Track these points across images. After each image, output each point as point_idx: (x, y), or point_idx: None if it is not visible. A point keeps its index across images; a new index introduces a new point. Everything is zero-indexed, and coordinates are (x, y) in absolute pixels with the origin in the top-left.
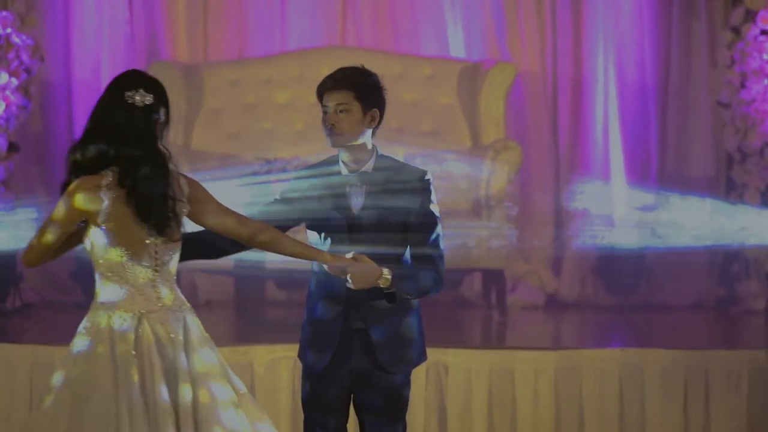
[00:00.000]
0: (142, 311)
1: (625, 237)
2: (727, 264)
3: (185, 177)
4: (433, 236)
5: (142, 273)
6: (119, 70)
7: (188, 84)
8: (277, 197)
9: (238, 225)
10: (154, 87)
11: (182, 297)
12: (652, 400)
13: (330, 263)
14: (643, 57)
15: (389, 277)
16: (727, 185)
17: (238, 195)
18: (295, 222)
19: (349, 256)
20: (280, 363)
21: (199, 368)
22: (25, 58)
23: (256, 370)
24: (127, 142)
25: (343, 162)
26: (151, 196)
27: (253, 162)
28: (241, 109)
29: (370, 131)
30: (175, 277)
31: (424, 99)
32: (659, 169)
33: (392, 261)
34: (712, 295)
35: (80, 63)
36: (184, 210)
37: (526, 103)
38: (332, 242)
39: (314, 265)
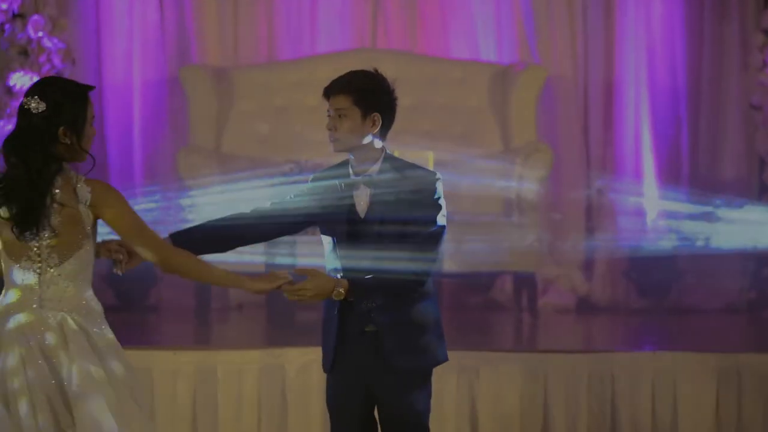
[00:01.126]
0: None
1: (657, 240)
2: (760, 267)
3: (91, 183)
4: (421, 234)
5: (23, 276)
6: (150, 73)
7: (219, 87)
8: (289, 197)
9: (144, 245)
10: (52, 94)
11: (84, 303)
12: (685, 403)
13: (252, 289)
14: (674, 60)
15: (342, 290)
16: (759, 188)
17: (268, 197)
18: (303, 224)
19: (293, 270)
20: (312, 366)
21: (76, 381)
22: (56, 61)
23: (287, 373)
24: (19, 147)
25: (350, 165)
26: (13, 199)
27: (283, 164)
28: (272, 112)
29: (374, 135)
30: (75, 283)
31: (454, 102)
32: (691, 171)
33: (402, 263)
34: (744, 298)
35: (111, 67)
36: (86, 216)
37: (557, 105)
38: (339, 245)
39: (327, 266)
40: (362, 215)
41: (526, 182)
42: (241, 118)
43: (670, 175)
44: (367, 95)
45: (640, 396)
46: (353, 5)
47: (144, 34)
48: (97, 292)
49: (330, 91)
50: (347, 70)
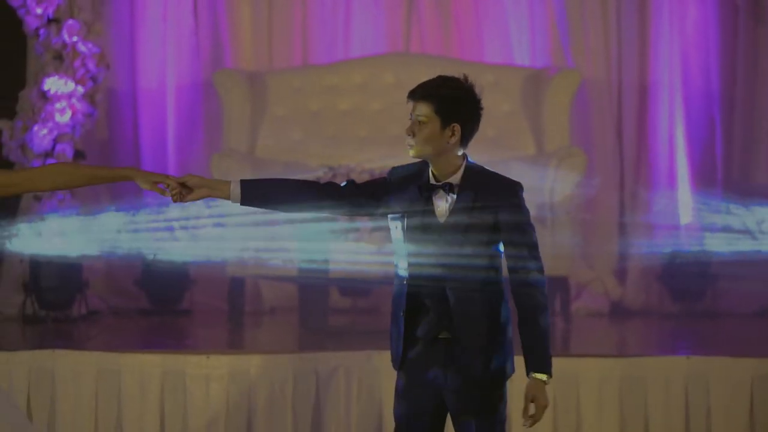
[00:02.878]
0: None
1: (691, 244)
2: None
3: None
4: (527, 250)
5: None
6: (184, 77)
7: (252, 91)
8: (356, 182)
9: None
10: None
11: None
12: (718, 408)
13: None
14: (708, 63)
15: (545, 374)
16: None
17: None
18: (375, 207)
19: None
20: (344, 370)
21: None
22: (91, 66)
23: (320, 377)
24: None
25: (431, 171)
26: None
27: (317, 169)
28: (306, 116)
29: (454, 144)
30: None
31: (487, 106)
32: (724, 175)
33: (479, 271)
34: None
35: (146, 71)
36: None
37: (590, 109)
38: (410, 245)
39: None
40: (441, 221)
41: (559, 186)
42: (274, 123)
43: (704, 179)
44: (449, 105)
45: (674, 401)
46: (387, 9)
47: (178, 38)
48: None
49: (413, 96)
50: (381, 75)
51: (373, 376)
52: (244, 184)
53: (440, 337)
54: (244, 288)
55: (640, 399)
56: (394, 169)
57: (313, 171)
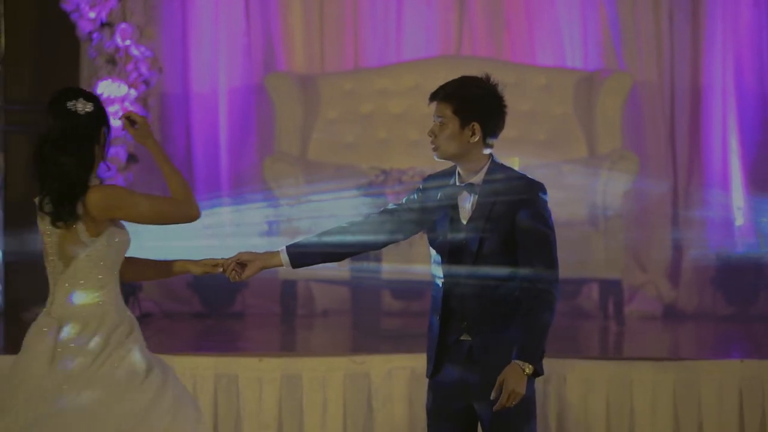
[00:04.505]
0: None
1: (744, 246)
2: None
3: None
4: (540, 254)
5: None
6: (236, 81)
7: (304, 94)
8: (393, 206)
9: (169, 220)
10: (93, 98)
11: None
12: None
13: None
14: (762, 65)
15: (528, 371)
16: None
17: (353, 205)
18: (412, 231)
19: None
20: (397, 373)
21: None
22: (143, 69)
23: (372, 380)
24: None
25: (457, 172)
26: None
27: (369, 172)
28: (357, 119)
29: (476, 143)
30: (84, 282)
31: (539, 108)
32: None
33: (503, 275)
34: None
35: (198, 74)
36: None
37: (643, 112)
38: (441, 251)
39: (432, 273)
40: (464, 221)
41: (611, 189)
42: (326, 126)
43: (758, 182)
44: (467, 104)
45: (727, 405)
46: (439, 12)
47: (230, 41)
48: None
49: (434, 97)
50: (432, 78)
51: (425, 380)
52: (290, 251)
53: (462, 339)
54: (296, 290)
55: (693, 402)
56: (428, 177)
57: (365, 174)
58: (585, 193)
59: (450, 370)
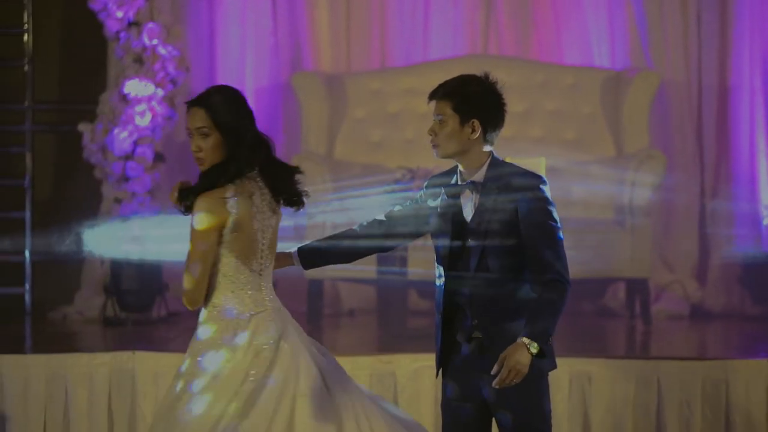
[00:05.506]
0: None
1: None
2: None
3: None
4: (545, 245)
5: None
6: (263, 80)
7: (331, 93)
8: (406, 204)
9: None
10: None
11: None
12: None
13: None
14: None
15: (534, 351)
16: None
17: (380, 204)
18: (418, 233)
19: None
20: (423, 372)
21: None
22: (170, 68)
23: (398, 379)
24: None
25: (459, 171)
26: None
27: (396, 171)
28: (384, 119)
29: (476, 140)
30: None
31: (567, 108)
32: None
33: (509, 271)
34: None
35: (225, 73)
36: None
37: (670, 111)
38: (449, 254)
39: (436, 273)
40: (468, 220)
41: (638, 188)
42: (353, 125)
43: None
44: (466, 101)
45: (755, 404)
46: (465, 11)
47: (257, 41)
48: None
49: (432, 96)
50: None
51: None
52: (301, 252)
53: (474, 336)
54: (322, 290)
55: (721, 402)
56: (431, 177)
57: (392, 172)
58: (612, 192)
59: (460, 368)
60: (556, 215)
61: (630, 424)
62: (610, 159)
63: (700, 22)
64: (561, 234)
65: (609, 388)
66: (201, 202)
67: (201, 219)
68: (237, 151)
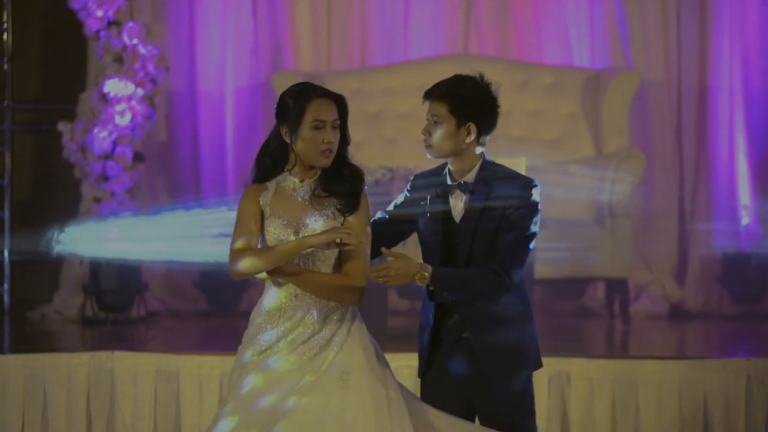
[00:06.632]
0: None
1: (751, 246)
2: None
3: None
4: (511, 237)
5: None
6: (243, 79)
7: None
8: (393, 205)
9: None
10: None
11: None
12: None
13: (315, 243)
14: None
15: (427, 274)
16: None
17: None
18: (408, 232)
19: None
20: (403, 371)
21: None
22: (150, 68)
23: None
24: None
25: (449, 170)
26: None
27: (376, 171)
28: (364, 118)
29: (470, 143)
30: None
31: (547, 108)
32: None
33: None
34: None
35: (205, 73)
36: None
37: (650, 111)
38: (433, 249)
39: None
40: (457, 220)
41: (618, 188)
42: None
43: (764, 180)
44: (464, 104)
45: (733, 403)
46: (446, 11)
47: (237, 41)
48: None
49: (428, 96)
50: (439, 77)
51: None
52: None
53: (457, 336)
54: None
55: (699, 401)
56: (417, 175)
57: (372, 172)
58: (592, 192)
59: (446, 366)
60: (536, 223)
61: (609, 424)
62: (590, 158)
63: (679, 23)
64: (532, 243)
65: (588, 388)
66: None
67: None
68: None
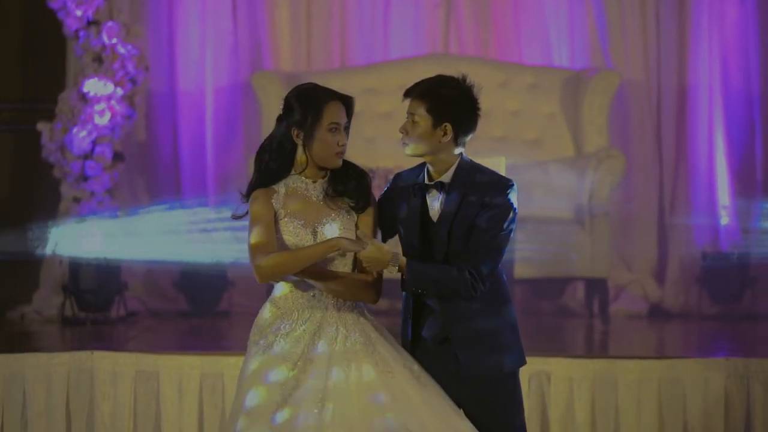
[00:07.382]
0: None
1: (730, 246)
2: None
3: None
4: (485, 238)
5: None
6: (223, 79)
7: None
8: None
9: None
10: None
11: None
12: (758, 409)
13: (339, 246)
14: (748, 64)
15: (396, 268)
16: None
17: None
18: (392, 230)
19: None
20: None
21: None
22: (130, 68)
23: None
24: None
25: (427, 170)
26: None
27: None
28: None
29: (447, 143)
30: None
31: (527, 108)
32: (764, 177)
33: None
34: None
35: (184, 73)
36: None
37: (629, 111)
38: (411, 248)
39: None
40: (435, 219)
41: (598, 188)
42: None
43: (744, 181)
44: (441, 104)
45: (713, 402)
46: (425, 11)
47: (217, 40)
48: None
49: (408, 94)
50: (419, 77)
51: None
52: None
53: (438, 335)
54: None
55: (678, 401)
56: (398, 174)
57: None
58: (571, 191)
59: (428, 367)
60: (512, 225)
61: (588, 423)
62: (570, 158)
63: (659, 22)
64: (507, 244)
65: (568, 388)
66: None
67: None
68: None
